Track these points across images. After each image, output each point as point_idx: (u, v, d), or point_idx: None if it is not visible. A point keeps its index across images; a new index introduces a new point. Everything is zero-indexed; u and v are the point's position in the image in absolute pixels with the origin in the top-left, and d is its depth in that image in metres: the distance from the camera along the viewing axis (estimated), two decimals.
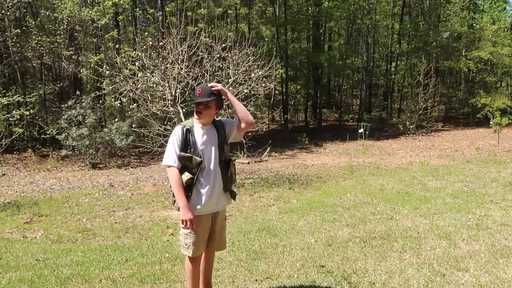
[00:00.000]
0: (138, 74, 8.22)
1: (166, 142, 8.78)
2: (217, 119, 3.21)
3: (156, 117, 8.80)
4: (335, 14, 24.06)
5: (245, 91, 8.54)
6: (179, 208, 2.94)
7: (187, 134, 2.96)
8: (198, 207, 2.96)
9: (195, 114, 3.04)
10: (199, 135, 2.99)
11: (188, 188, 2.93)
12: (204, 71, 8.34)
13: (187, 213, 2.89)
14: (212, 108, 3.01)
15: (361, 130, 19.10)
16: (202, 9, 10.52)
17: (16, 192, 8.95)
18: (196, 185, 2.95)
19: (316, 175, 9.85)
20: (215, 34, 8.73)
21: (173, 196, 3.02)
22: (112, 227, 5.84)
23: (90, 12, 15.81)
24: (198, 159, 2.92)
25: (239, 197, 7.53)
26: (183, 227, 2.98)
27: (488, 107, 20.50)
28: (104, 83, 9.64)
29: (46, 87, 17.60)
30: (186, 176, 2.92)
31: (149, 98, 8.44)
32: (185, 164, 2.93)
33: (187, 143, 2.95)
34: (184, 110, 7.98)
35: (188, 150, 2.93)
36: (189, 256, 3.03)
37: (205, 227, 3.03)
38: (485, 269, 3.80)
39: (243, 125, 3.08)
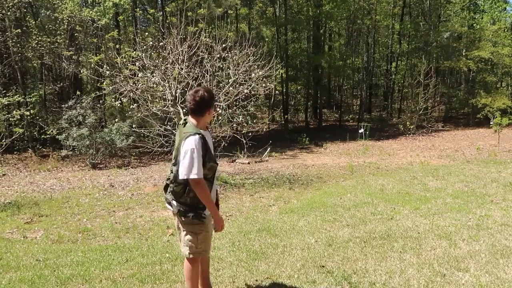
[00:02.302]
0: (138, 74, 8.23)
1: (167, 142, 8.80)
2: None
3: (157, 117, 8.81)
4: (335, 14, 24.07)
5: (245, 91, 8.54)
6: (195, 215, 2.92)
7: (204, 142, 2.89)
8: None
9: (207, 118, 3.03)
10: (210, 141, 3.02)
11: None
12: (205, 71, 8.34)
13: (222, 218, 3.02)
14: None
15: (361, 130, 19.10)
16: (203, 10, 10.52)
17: (17, 192, 8.95)
18: (212, 192, 3.02)
19: (316, 175, 9.85)
20: (215, 34, 8.73)
21: (182, 205, 2.95)
22: (112, 227, 5.84)
23: (91, 12, 15.83)
24: (216, 165, 2.98)
25: (239, 197, 7.53)
26: (193, 228, 2.99)
27: (488, 107, 20.50)
28: (104, 83, 9.64)
29: (47, 87, 17.62)
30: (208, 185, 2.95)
31: (150, 98, 8.44)
32: (204, 172, 2.89)
33: (206, 151, 2.90)
34: (184, 110, 7.98)
35: (209, 159, 2.91)
36: (192, 258, 3.06)
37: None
38: (486, 269, 3.80)
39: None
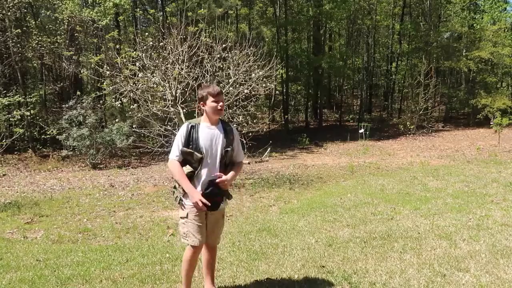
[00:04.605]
0: (138, 74, 8.23)
1: (167, 142, 8.83)
2: (230, 123, 3.34)
3: (157, 118, 8.82)
4: (336, 14, 24.07)
5: (246, 91, 8.54)
6: (176, 197, 3.12)
7: (191, 130, 3.09)
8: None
9: (213, 113, 3.11)
10: (204, 133, 3.09)
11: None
12: (205, 71, 8.35)
13: (195, 194, 2.99)
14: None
15: (361, 130, 19.09)
16: (203, 10, 10.53)
17: (17, 192, 8.95)
18: (194, 179, 3.08)
19: (316, 175, 9.85)
20: (215, 34, 8.73)
21: (174, 188, 3.18)
22: (112, 227, 5.84)
23: (91, 12, 15.83)
24: (199, 155, 3.04)
25: (239, 197, 7.53)
26: (182, 217, 3.13)
27: (489, 107, 20.49)
28: (104, 83, 9.66)
29: (47, 87, 17.62)
30: (187, 168, 3.06)
31: (150, 99, 8.45)
32: (186, 159, 3.06)
33: (189, 139, 3.07)
34: (184, 110, 7.98)
35: (190, 146, 3.05)
36: (191, 246, 3.14)
37: (201, 218, 3.12)
38: (486, 269, 3.80)
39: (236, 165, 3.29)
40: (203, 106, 3.14)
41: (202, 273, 3.52)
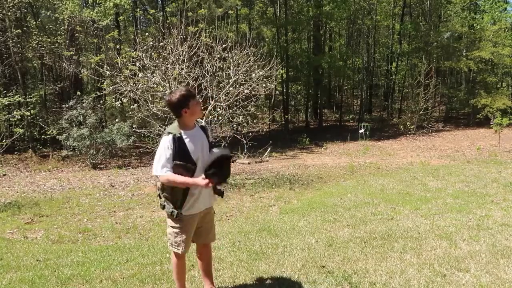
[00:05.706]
0: (138, 74, 8.23)
1: None
2: (202, 124, 3.24)
3: (157, 118, 8.80)
4: (336, 14, 24.08)
5: (246, 91, 8.54)
6: (171, 212, 3.05)
7: (179, 142, 2.93)
8: (190, 208, 3.07)
9: (197, 115, 3.08)
10: (189, 141, 2.98)
11: (183, 192, 2.99)
12: (205, 72, 8.34)
13: (199, 180, 2.88)
14: None
15: (361, 131, 19.09)
16: (203, 10, 10.53)
17: (17, 192, 8.95)
18: (190, 188, 3.01)
19: (316, 175, 9.84)
20: (215, 34, 8.73)
21: (160, 198, 3.13)
22: (112, 227, 5.84)
23: (91, 13, 15.83)
24: (192, 166, 2.97)
25: (239, 197, 7.53)
26: (170, 223, 3.16)
27: (489, 107, 20.49)
28: (104, 83, 9.65)
29: (47, 87, 17.63)
30: None
31: (150, 99, 8.44)
32: (178, 171, 2.92)
33: (180, 151, 2.92)
34: None
35: (182, 159, 2.92)
36: (175, 253, 3.18)
37: (194, 226, 3.16)
38: (486, 269, 3.80)
39: None
40: (185, 112, 2.97)
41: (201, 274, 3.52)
